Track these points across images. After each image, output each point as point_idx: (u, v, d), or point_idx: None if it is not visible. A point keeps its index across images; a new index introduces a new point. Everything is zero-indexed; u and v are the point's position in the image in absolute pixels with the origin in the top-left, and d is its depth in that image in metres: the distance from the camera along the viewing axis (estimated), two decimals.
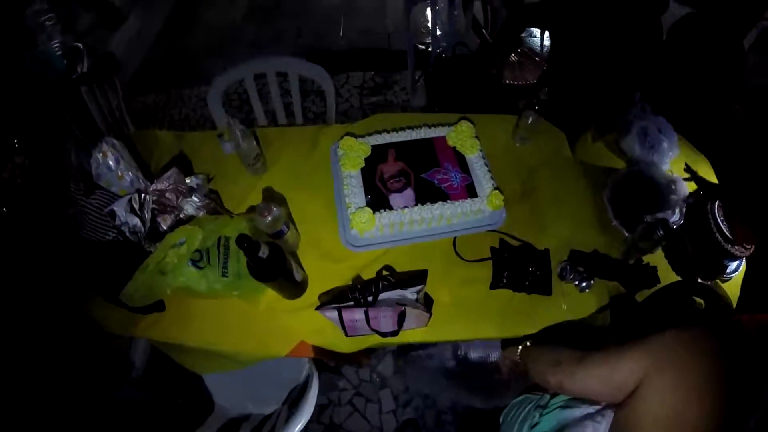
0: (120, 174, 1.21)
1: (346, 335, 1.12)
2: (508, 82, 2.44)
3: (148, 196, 1.16)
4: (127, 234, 1.14)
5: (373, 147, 1.42)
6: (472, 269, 1.26)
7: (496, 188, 1.30)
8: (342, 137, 1.42)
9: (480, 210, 1.28)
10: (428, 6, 2.09)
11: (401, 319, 1.05)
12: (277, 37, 3.61)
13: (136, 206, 1.14)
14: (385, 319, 1.07)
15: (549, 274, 1.22)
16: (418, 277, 1.13)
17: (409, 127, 1.47)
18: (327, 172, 1.43)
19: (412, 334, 1.16)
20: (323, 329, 1.15)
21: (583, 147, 1.55)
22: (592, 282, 1.18)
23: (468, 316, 1.19)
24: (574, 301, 1.20)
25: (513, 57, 2.61)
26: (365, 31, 3.60)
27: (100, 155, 1.20)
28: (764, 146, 1.74)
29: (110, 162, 1.19)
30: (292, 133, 1.60)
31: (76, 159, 1.21)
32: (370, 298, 1.04)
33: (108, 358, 1.48)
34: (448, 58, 2.23)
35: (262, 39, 3.63)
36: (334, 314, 1.02)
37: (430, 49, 2.33)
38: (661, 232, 1.11)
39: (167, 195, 1.19)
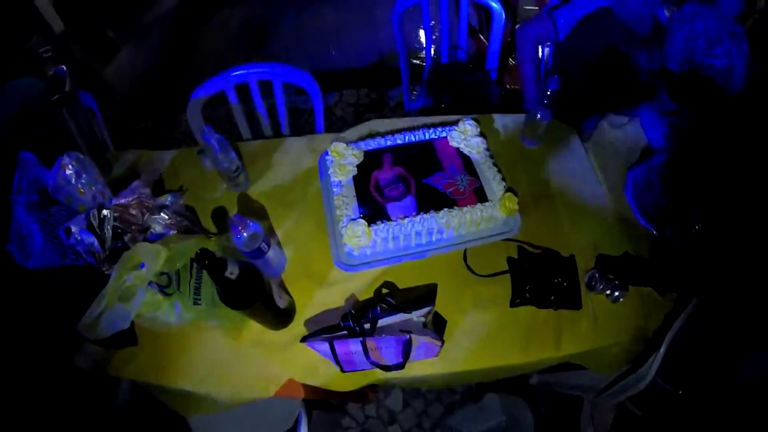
0: (81, 189, 1.06)
1: (342, 371, 0.94)
2: (509, 87, 2.32)
3: (107, 212, 1.01)
4: (83, 255, 0.98)
5: (366, 153, 1.27)
6: (487, 286, 1.09)
7: (508, 190, 1.13)
8: (331, 144, 1.27)
9: (492, 216, 1.11)
10: (422, 23, 1.99)
11: (407, 349, 0.87)
12: (270, 59, 3.55)
13: (95, 222, 0.99)
14: (388, 350, 0.89)
15: (577, 284, 1.04)
16: (425, 297, 0.94)
17: (406, 130, 1.32)
18: (316, 186, 1.28)
19: (422, 366, 0.98)
20: (315, 365, 0.96)
21: (597, 143, 1.39)
22: (626, 291, 1.00)
23: (486, 342, 1.01)
24: (607, 314, 1.03)
25: (512, 61, 2.50)
26: (358, 51, 3.54)
27: (59, 167, 1.05)
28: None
29: (69, 173, 1.04)
30: (276, 145, 1.46)
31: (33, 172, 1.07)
32: (367, 326, 0.85)
33: (85, 394, 1.28)
34: (444, 63, 2.10)
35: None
36: (325, 347, 0.84)
37: (424, 63, 2.22)
38: (698, 226, 0.94)
39: (132, 211, 1.03)
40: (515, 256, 1.12)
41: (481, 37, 2.42)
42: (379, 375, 0.97)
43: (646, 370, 0.97)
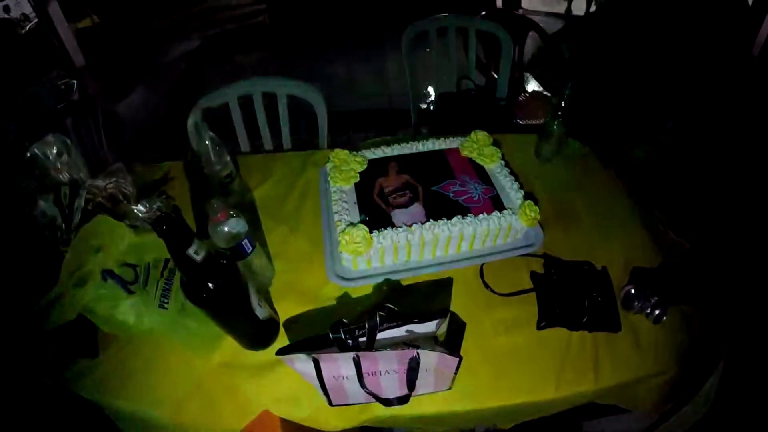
0: (59, 167, 0.96)
1: (331, 404, 0.75)
2: (519, 121, 2.25)
3: (82, 191, 0.90)
4: (41, 225, 0.88)
5: (371, 161, 1.15)
6: (509, 306, 0.92)
7: (527, 199, 0.99)
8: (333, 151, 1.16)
9: (511, 226, 0.96)
10: (428, 56, 1.99)
11: (412, 375, 0.69)
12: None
13: (65, 200, 0.89)
14: (389, 378, 0.71)
15: (614, 301, 0.87)
16: (436, 312, 0.77)
17: (414, 140, 1.21)
18: (315, 200, 1.15)
19: (431, 401, 0.79)
20: (297, 395, 0.78)
21: (620, 158, 1.29)
22: (668, 308, 0.84)
23: (510, 372, 0.82)
24: (649, 336, 0.86)
25: (522, 96, 2.47)
26: (368, 96, 3.57)
27: (42, 141, 0.96)
28: None
29: (49, 151, 0.94)
30: (276, 158, 1.36)
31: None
32: (362, 339, 0.68)
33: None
34: (452, 93, 2.05)
35: None
36: (309, 366, 0.66)
37: (432, 108, 2.19)
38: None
39: (107, 193, 0.91)
40: (540, 270, 0.96)
41: (492, 73, 2.40)
42: (377, 411, 0.78)
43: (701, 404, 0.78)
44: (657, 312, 0.84)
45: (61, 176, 0.96)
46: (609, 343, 0.85)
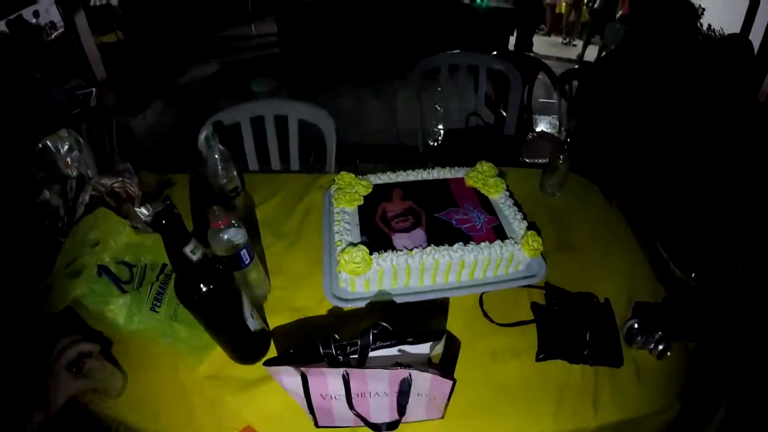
0: (68, 162, 0.98)
1: (317, 425, 0.72)
2: (525, 159, 2.28)
3: (88, 187, 0.92)
4: (43, 213, 0.90)
5: (376, 186, 1.16)
6: (508, 336, 0.89)
7: (531, 229, 0.99)
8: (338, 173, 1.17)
9: (513, 256, 0.95)
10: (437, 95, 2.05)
11: (403, 398, 0.66)
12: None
13: (70, 193, 0.91)
14: (378, 400, 0.69)
15: (616, 335, 0.85)
16: (432, 333, 0.75)
17: (420, 169, 1.23)
18: (317, 223, 1.15)
19: (422, 429, 0.75)
20: (281, 413, 0.75)
21: (623, 195, 1.29)
22: (672, 343, 0.82)
23: (506, 404, 0.79)
24: (652, 372, 0.83)
25: (530, 135, 2.50)
26: (376, 131, 3.64)
27: (54, 134, 1.00)
28: None
29: (61, 145, 0.96)
30: (282, 179, 1.37)
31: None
32: (354, 357, 0.66)
33: None
34: (461, 129, 2.09)
35: None
36: (296, 381, 0.64)
37: (440, 142, 2.23)
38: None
39: (113, 191, 0.92)
40: (541, 302, 0.94)
41: (501, 111, 2.45)
42: None
43: None
44: (660, 347, 0.82)
45: (69, 171, 0.99)
46: (610, 377, 0.82)
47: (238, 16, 7.26)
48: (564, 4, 7.59)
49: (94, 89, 2.09)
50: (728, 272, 0.95)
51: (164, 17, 6.50)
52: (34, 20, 5.02)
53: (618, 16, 6.47)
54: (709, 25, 6.03)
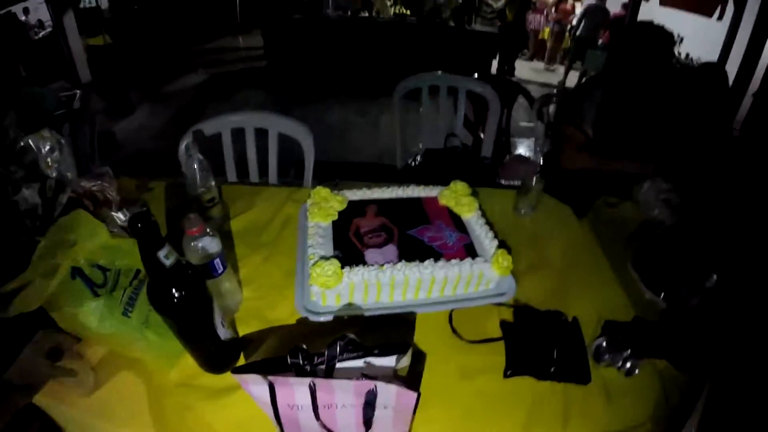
0: (49, 163, 0.99)
1: None
2: (502, 181, 2.34)
3: (67, 188, 0.94)
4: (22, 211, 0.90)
5: (351, 202, 1.18)
6: (477, 354, 0.91)
7: (501, 249, 1.02)
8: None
9: (483, 274, 0.98)
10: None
11: (369, 407, 0.68)
12: None
13: (49, 192, 0.93)
14: (344, 411, 0.70)
15: (584, 352, 0.88)
16: (398, 346, 0.77)
17: (396, 186, 1.26)
18: (292, 236, 1.16)
19: None
20: (250, 424, 0.75)
21: (595, 217, 1.34)
22: (640, 360, 0.86)
23: (474, 421, 0.81)
24: (621, 390, 0.85)
25: (507, 158, 2.58)
26: (358, 148, 3.68)
27: (35, 135, 1.00)
28: None
29: (42, 144, 0.96)
30: (260, 190, 1.38)
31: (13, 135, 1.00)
32: (321, 368, 0.67)
33: None
34: (439, 149, 2.14)
35: None
36: (263, 389, 0.65)
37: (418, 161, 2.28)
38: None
39: (91, 195, 0.93)
40: (510, 319, 0.97)
41: (479, 133, 2.52)
42: None
43: None
44: (628, 365, 0.85)
45: (49, 171, 0.99)
46: (579, 395, 0.84)
47: (227, 28, 7.32)
48: (547, 30, 7.88)
49: (78, 91, 2.08)
50: (697, 293, 0.99)
51: (153, 24, 6.50)
52: (23, 17, 4.97)
53: (599, 43, 6.75)
54: (687, 54, 6.32)
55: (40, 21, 5.11)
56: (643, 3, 5.50)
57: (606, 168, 1.63)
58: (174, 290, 0.64)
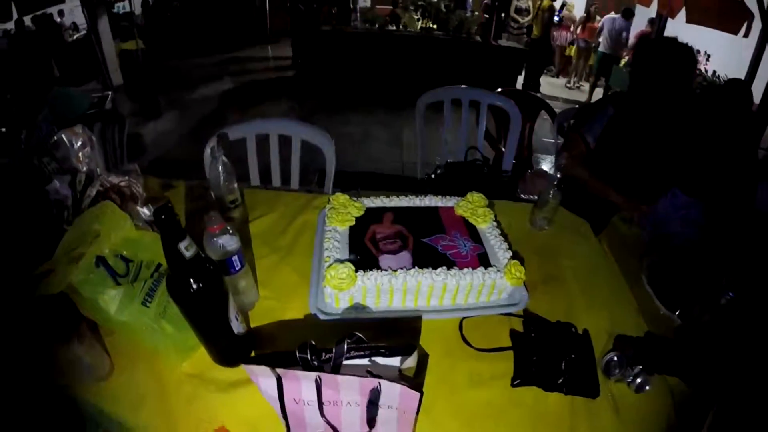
0: (80, 157, 1.05)
1: (289, 431, 0.74)
2: (521, 195, 2.33)
3: (96, 182, 0.99)
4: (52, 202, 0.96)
5: (368, 209, 1.21)
6: (485, 362, 0.92)
7: (514, 260, 1.03)
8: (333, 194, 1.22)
9: (495, 284, 0.99)
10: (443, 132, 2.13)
11: (373, 405, 0.69)
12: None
13: (79, 185, 0.98)
14: (349, 409, 0.71)
15: (593, 365, 0.87)
16: (405, 348, 0.78)
17: (413, 196, 1.28)
18: (310, 240, 1.19)
19: None
20: (256, 419, 0.77)
21: (611, 232, 1.33)
22: (651, 376, 0.84)
23: (480, 428, 0.81)
24: (630, 405, 0.84)
25: (528, 172, 2.56)
26: (380, 159, 3.72)
27: (69, 130, 1.07)
28: None
29: (75, 140, 1.03)
30: (281, 196, 1.42)
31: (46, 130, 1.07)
32: (329, 363, 0.69)
33: None
34: (459, 162, 2.15)
35: None
36: (271, 383, 0.67)
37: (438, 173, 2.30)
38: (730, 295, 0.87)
39: (118, 190, 0.98)
40: (519, 329, 0.97)
41: (501, 147, 2.53)
42: None
43: None
44: (639, 380, 0.84)
45: (80, 165, 1.05)
46: (587, 409, 0.83)
47: (256, 38, 7.53)
48: (573, 47, 7.84)
49: (110, 93, 2.18)
50: (712, 310, 0.97)
51: (185, 32, 6.74)
52: (59, 19, 5.21)
53: (624, 61, 6.68)
54: (714, 71, 6.19)
55: (74, 24, 5.34)
56: (669, 20, 5.43)
57: (592, 187, 1.63)
58: (192, 281, 0.67)
